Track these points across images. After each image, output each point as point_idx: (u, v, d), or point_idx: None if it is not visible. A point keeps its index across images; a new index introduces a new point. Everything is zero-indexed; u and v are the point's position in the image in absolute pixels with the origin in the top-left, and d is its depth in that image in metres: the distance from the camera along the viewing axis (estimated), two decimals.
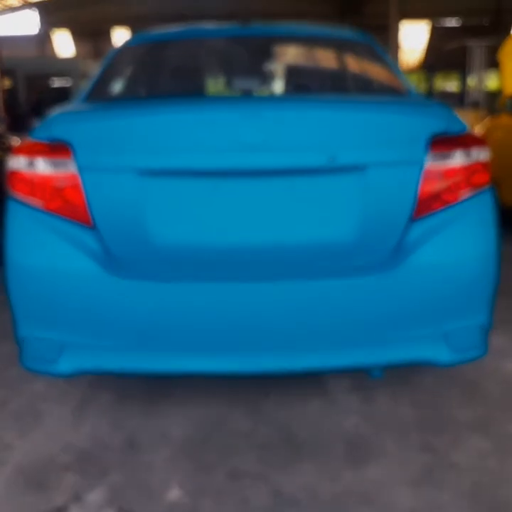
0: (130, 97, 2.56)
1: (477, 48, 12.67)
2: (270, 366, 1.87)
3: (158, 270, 1.82)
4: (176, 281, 1.78)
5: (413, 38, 31.15)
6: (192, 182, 1.80)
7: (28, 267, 1.85)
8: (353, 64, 2.77)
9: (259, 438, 2.13)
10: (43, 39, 29.51)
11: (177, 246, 1.82)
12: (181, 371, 1.91)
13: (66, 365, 1.91)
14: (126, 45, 2.76)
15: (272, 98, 2.25)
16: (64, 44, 30.95)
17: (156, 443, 2.13)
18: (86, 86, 2.40)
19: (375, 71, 2.58)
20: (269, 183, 1.79)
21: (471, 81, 13.79)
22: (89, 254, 1.81)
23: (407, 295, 1.82)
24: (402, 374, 2.54)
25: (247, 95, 2.35)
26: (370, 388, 2.44)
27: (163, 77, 2.65)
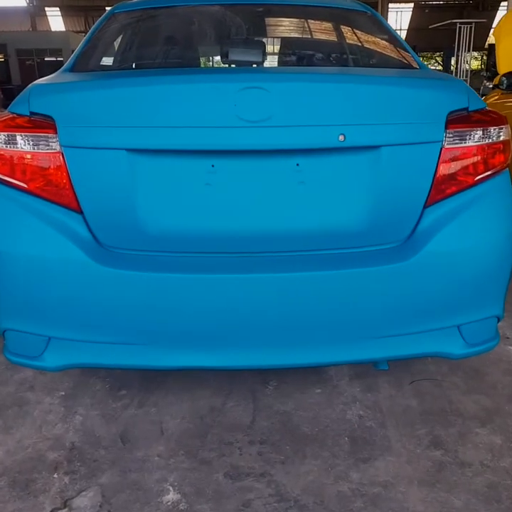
0: (119, 68, 2.26)
1: (464, 27, 12.27)
2: (274, 361, 1.65)
3: (150, 260, 1.58)
4: (170, 271, 1.54)
5: (398, 17, 30.51)
6: (188, 162, 1.54)
7: (7, 255, 1.60)
8: (358, 35, 2.48)
9: (259, 432, 1.93)
10: (35, 13, 28.52)
11: (171, 233, 1.58)
12: (176, 367, 1.68)
13: (52, 359, 1.68)
14: (114, 12, 2.44)
15: (276, 69, 1.97)
16: (57, 19, 30.02)
17: (151, 437, 1.91)
18: (71, 56, 2.11)
19: (381, 43, 2.30)
20: (273, 164, 1.54)
21: (455, 60, 13.40)
22: (76, 242, 1.56)
23: (422, 286, 1.59)
24: (403, 361, 2.34)
25: (248, 66, 2.06)
26: (373, 376, 2.24)
27: (155, 46, 2.35)
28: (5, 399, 2.15)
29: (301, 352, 1.63)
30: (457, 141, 1.59)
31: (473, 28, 11.90)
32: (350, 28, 2.49)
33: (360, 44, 2.43)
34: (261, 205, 1.56)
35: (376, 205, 1.56)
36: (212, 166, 1.53)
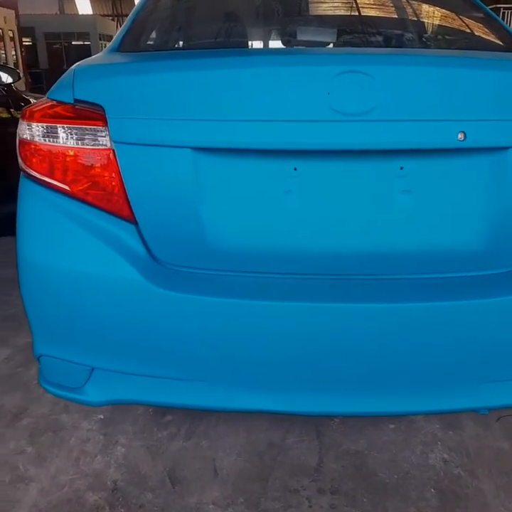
0: (176, 48, 1.96)
1: (508, 12, 11.62)
2: (364, 409, 1.37)
3: (217, 281, 1.31)
4: (241, 297, 1.26)
5: None
6: (265, 164, 1.26)
7: (44, 269, 1.34)
8: (448, 12, 2.14)
9: (329, 477, 1.66)
10: None
11: (242, 249, 1.30)
12: (241, 409, 1.42)
13: (94, 393, 1.43)
14: None
15: (380, 50, 1.64)
16: (84, 2, 29.95)
17: (204, 478, 1.66)
18: (117, 33, 1.82)
19: (476, 23, 1.97)
20: (372, 167, 1.25)
21: None
22: (128, 257, 1.30)
23: None
24: None
25: (338, 46, 1.75)
26: None
27: (213, 22, 2.04)
28: (38, 422, 1.92)
29: (397, 399, 1.35)
30: None
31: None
32: (435, 4, 2.14)
33: (453, 22, 2.09)
34: (354, 218, 1.27)
35: (498, 220, 1.26)
36: (295, 169, 1.25)
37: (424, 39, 1.96)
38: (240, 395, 1.36)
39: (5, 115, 4.42)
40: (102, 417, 1.94)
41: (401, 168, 1.24)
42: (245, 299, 1.26)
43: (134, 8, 1.97)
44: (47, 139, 1.32)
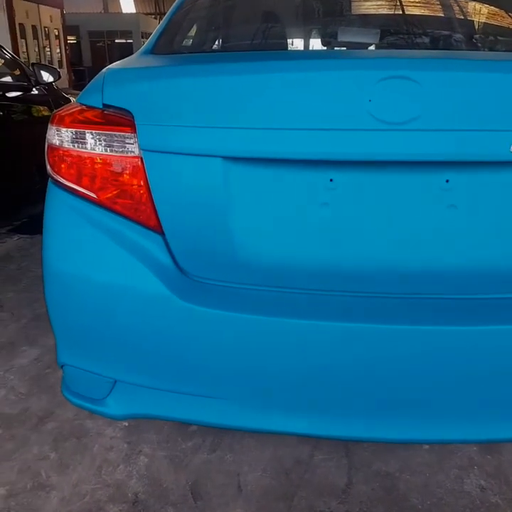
0: (211, 50, 1.90)
1: None
2: (406, 436, 1.28)
3: (247, 296, 1.24)
4: (271, 315, 1.19)
5: None
6: (299, 175, 1.18)
7: (71, 279, 1.31)
8: (498, 10, 2.01)
9: (358, 500, 1.58)
10: None
11: (275, 265, 1.23)
12: (270, 431, 1.35)
13: (116, 406, 1.39)
14: None
15: (426, 54, 1.53)
16: (128, 0, 30.37)
17: (227, 494, 1.60)
18: (152, 35, 1.77)
19: None
20: (415, 180, 1.16)
21: None
22: (153, 269, 1.24)
23: None
24: None
25: (381, 49, 1.65)
26: None
27: (250, 24, 1.97)
28: (62, 426, 1.90)
29: (439, 426, 1.25)
30: None
31: None
32: (486, 1, 2.01)
33: (505, 21, 1.95)
34: (395, 234, 1.18)
35: None
36: (331, 180, 1.17)
37: (474, 41, 1.83)
38: (269, 416, 1.29)
39: (46, 113, 4.47)
40: (126, 424, 1.90)
41: (447, 181, 1.15)
42: (276, 317, 1.19)
43: (170, 9, 1.92)
44: (75, 145, 1.28)
